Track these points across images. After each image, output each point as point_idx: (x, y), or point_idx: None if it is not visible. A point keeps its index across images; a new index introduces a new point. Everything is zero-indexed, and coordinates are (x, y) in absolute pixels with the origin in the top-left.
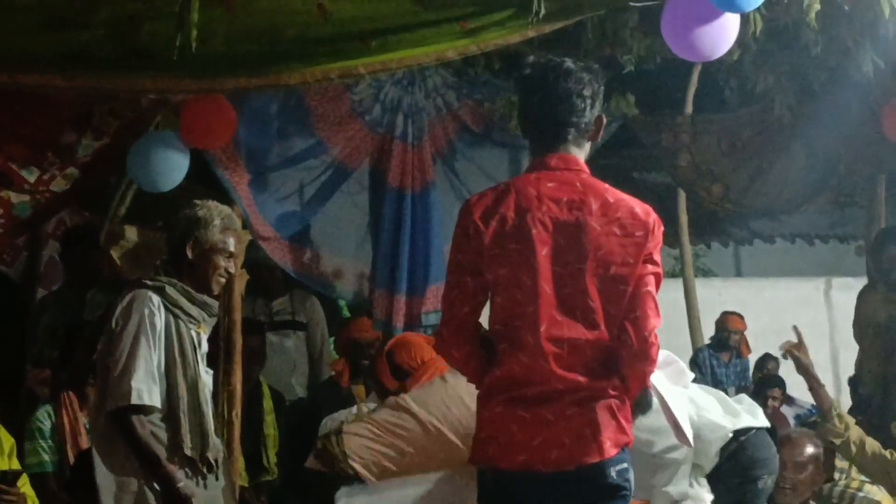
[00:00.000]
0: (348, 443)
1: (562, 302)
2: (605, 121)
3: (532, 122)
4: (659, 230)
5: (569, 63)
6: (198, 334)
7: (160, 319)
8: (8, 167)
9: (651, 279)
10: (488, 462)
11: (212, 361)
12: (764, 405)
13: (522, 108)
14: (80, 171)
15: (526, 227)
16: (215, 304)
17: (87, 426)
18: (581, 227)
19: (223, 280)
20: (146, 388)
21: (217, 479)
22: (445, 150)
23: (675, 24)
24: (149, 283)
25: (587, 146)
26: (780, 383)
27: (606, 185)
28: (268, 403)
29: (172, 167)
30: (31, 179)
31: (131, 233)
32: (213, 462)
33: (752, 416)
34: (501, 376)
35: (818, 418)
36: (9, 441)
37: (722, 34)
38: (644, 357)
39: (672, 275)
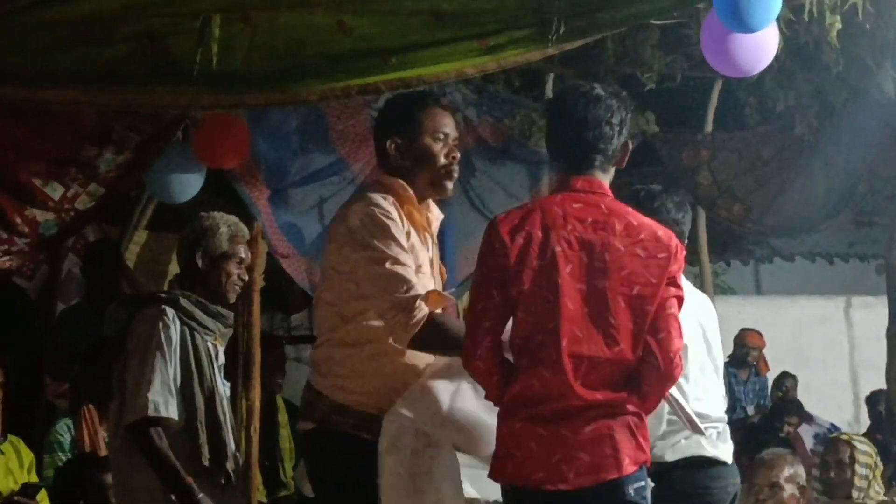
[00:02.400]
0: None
1: (584, 319)
2: (630, 147)
3: (560, 146)
4: (681, 253)
5: (599, 89)
6: (214, 346)
7: (175, 332)
8: (31, 184)
9: (674, 302)
10: (507, 479)
11: (228, 374)
12: (780, 429)
13: (551, 132)
14: (103, 188)
15: (551, 245)
16: (230, 314)
17: (107, 440)
18: (605, 246)
19: (238, 288)
20: (162, 401)
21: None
22: (463, 165)
23: (713, 39)
24: (163, 296)
25: (612, 171)
26: (798, 409)
27: (629, 209)
28: (283, 417)
29: (188, 181)
30: (56, 197)
31: (140, 236)
32: (231, 473)
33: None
34: (520, 392)
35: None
36: (28, 455)
37: (761, 49)
38: (669, 378)
39: None
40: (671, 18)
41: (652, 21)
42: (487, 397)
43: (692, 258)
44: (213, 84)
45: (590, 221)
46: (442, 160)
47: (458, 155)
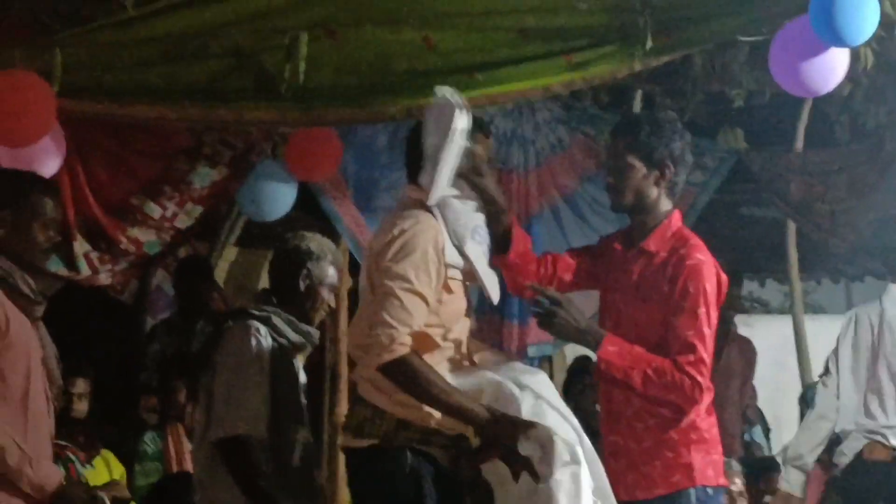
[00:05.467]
0: None
1: None
2: None
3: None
4: None
5: None
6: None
7: (267, 349)
8: (130, 203)
9: None
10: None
11: (313, 389)
12: None
13: (682, 158)
14: (200, 207)
15: None
16: (317, 333)
17: (192, 453)
18: None
19: (324, 313)
20: (254, 418)
21: None
22: (567, 188)
23: (783, 59)
24: (255, 312)
25: None
26: None
27: None
28: None
29: (280, 198)
30: (155, 216)
31: (230, 252)
32: (316, 491)
33: None
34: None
35: None
36: (119, 468)
37: (831, 69)
38: None
39: (781, 311)
40: (760, 35)
41: (740, 37)
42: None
43: (781, 276)
44: (301, 100)
45: None
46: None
47: None
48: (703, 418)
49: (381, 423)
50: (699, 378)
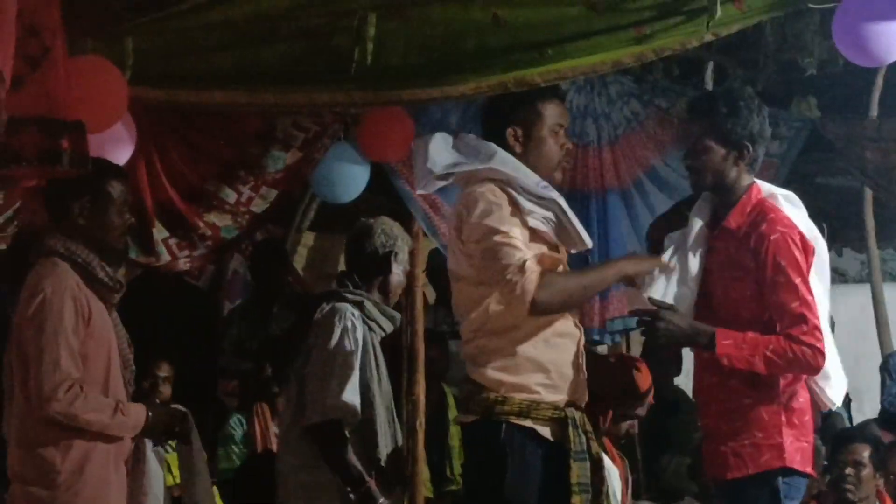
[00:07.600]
0: None
1: None
2: None
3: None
4: None
5: None
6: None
7: (360, 333)
8: (205, 189)
9: None
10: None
11: (393, 371)
12: None
13: (761, 134)
14: (275, 190)
15: None
16: (399, 315)
17: (279, 435)
18: None
19: (398, 294)
20: (351, 403)
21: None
22: (646, 161)
23: (847, 27)
24: (349, 296)
25: None
26: None
27: None
28: (453, 413)
29: (354, 179)
30: (231, 201)
31: (307, 238)
32: (406, 476)
33: None
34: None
35: None
36: None
37: (894, 37)
38: None
39: (859, 280)
40: (830, 1)
41: (810, 4)
42: (811, 372)
43: (859, 244)
44: (371, 81)
45: None
46: (558, 153)
47: (570, 146)
48: (798, 396)
49: (480, 398)
50: (818, 345)
